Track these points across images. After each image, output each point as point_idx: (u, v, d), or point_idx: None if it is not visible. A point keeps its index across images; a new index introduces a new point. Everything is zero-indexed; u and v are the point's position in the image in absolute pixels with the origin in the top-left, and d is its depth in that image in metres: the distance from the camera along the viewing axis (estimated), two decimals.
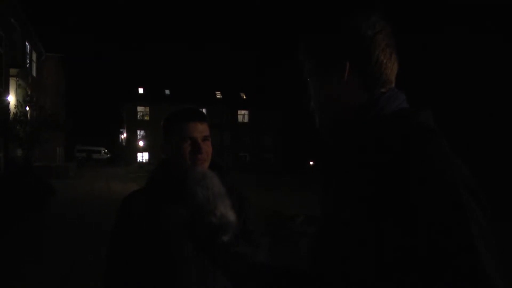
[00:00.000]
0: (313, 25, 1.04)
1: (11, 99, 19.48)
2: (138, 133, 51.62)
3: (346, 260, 0.84)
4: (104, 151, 57.63)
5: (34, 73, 27.16)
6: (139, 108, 52.23)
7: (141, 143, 50.49)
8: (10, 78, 19.65)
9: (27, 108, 21.20)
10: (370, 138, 0.90)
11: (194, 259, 1.54)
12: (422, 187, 0.76)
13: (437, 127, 0.89)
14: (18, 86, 20.82)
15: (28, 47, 25.44)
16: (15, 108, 19.35)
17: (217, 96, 55.99)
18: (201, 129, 1.62)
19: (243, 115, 56.65)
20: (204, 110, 51.92)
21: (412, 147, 0.81)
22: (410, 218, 0.74)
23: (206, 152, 1.62)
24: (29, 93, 22.26)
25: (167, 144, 1.64)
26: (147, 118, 51.64)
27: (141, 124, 51.51)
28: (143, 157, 51.30)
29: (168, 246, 1.55)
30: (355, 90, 0.96)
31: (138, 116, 52.22)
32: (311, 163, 46.71)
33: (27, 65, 24.88)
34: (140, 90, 53.12)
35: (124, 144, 54.71)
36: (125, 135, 54.09)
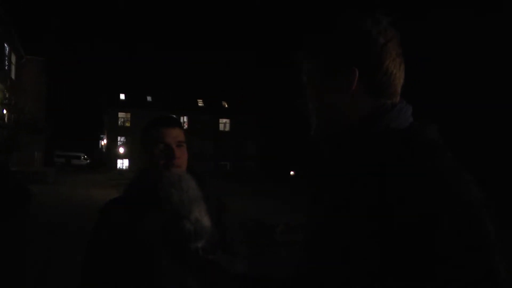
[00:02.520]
0: (319, 25, 0.98)
1: None
2: (118, 139, 51.01)
3: (341, 272, 0.82)
4: (84, 157, 56.79)
5: (13, 76, 26.71)
6: (120, 114, 51.66)
7: (121, 150, 49.89)
8: None
9: (5, 111, 20.81)
10: (378, 151, 0.85)
11: (172, 267, 1.52)
12: (436, 205, 0.74)
13: (444, 142, 0.87)
14: None
15: (7, 48, 25.03)
16: None
17: (199, 104, 55.79)
18: (174, 135, 1.61)
19: (224, 123, 56.53)
20: (185, 118, 51.74)
21: (424, 163, 0.79)
22: (422, 236, 0.73)
23: (180, 157, 1.60)
24: (7, 95, 21.87)
25: (143, 152, 1.64)
26: (128, 124, 51.08)
27: (122, 130, 50.90)
28: (123, 163, 50.68)
29: (145, 254, 1.52)
30: (360, 98, 0.92)
31: (119, 122, 51.63)
32: (292, 173, 46.78)
33: (6, 67, 24.46)
34: (122, 96, 52.59)
35: (104, 150, 54.04)
36: (105, 141, 53.43)
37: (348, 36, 0.91)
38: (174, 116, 1.74)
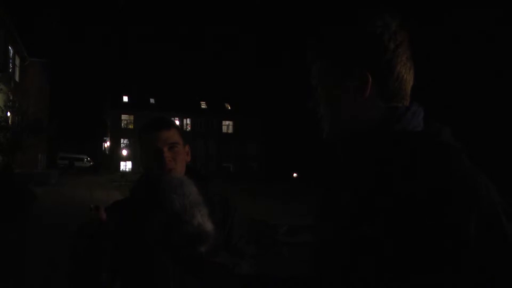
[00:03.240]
0: (329, 28, 0.98)
1: None
2: (121, 141, 51.09)
3: (359, 273, 0.82)
4: (87, 159, 56.91)
5: (17, 78, 26.84)
6: (123, 116, 51.79)
7: (124, 152, 49.95)
8: None
9: (9, 114, 20.89)
10: (398, 154, 0.85)
11: (173, 270, 1.51)
12: (460, 209, 0.74)
13: (460, 145, 0.87)
14: None
15: (11, 51, 25.16)
16: None
17: (202, 106, 55.87)
18: (164, 137, 1.59)
19: (227, 125, 56.63)
20: (188, 120, 51.83)
21: (445, 166, 0.79)
22: (443, 238, 0.73)
23: (172, 159, 1.59)
24: (11, 98, 21.96)
25: (141, 156, 1.64)
26: (131, 126, 51.15)
27: (125, 133, 50.97)
28: (126, 166, 50.71)
29: (146, 257, 1.53)
30: (372, 102, 0.92)
31: (122, 125, 51.74)
32: (295, 175, 46.75)
33: (10, 70, 24.57)
34: (125, 98, 52.69)
35: (107, 152, 54.14)
36: (108, 143, 53.53)
37: (360, 41, 0.91)
38: (165, 117, 1.72)
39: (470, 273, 0.72)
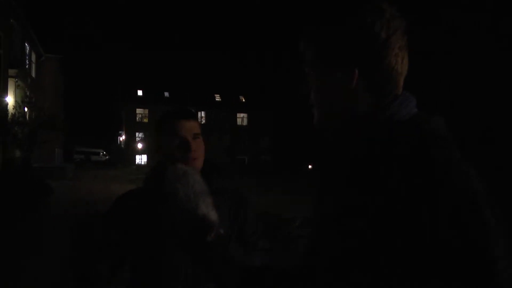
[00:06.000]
0: (320, 16, 0.96)
1: (10, 99, 19.49)
2: (137, 135, 51.53)
3: (347, 262, 0.83)
4: (103, 153, 57.42)
5: (33, 74, 27.17)
6: (138, 110, 52.17)
7: (139, 145, 50.38)
8: (8, 79, 19.66)
9: (26, 109, 21.18)
10: (381, 143, 0.85)
11: (183, 260, 1.52)
12: (438, 196, 0.74)
13: (450, 134, 0.87)
14: (17, 87, 20.84)
15: (28, 47, 25.46)
16: (13, 109, 19.34)
17: (216, 99, 55.92)
18: (189, 127, 1.60)
19: (242, 118, 56.61)
20: (203, 113, 51.90)
21: (426, 154, 0.79)
22: (423, 226, 0.74)
23: (197, 150, 1.60)
24: (28, 94, 22.26)
25: (158, 145, 1.65)
26: (146, 120, 51.53)
27: (140, 126, 51.42)
28: (141, 159, 51.16)
29: (156, 246, 1.54)
30: (360, 92, 0.91)
31: (137, 118, 52.14)
32: (310, 166, 46.64)
33: (26, 66, 24.89)
34: (139, 92, 53.06)
35: (122, 146, 54.60)
36: (124, 137, 53.97)
37: (349, 31, 0.88)
38: (189, 108, 1.73)
39: (445, 260, 0.72)
